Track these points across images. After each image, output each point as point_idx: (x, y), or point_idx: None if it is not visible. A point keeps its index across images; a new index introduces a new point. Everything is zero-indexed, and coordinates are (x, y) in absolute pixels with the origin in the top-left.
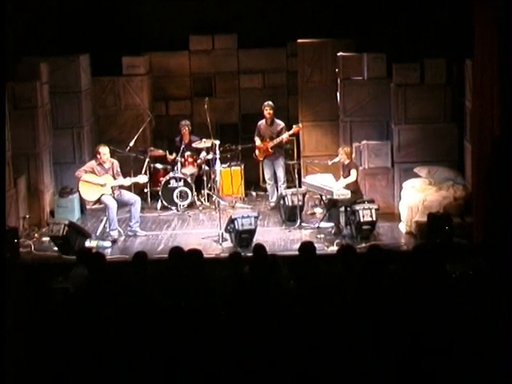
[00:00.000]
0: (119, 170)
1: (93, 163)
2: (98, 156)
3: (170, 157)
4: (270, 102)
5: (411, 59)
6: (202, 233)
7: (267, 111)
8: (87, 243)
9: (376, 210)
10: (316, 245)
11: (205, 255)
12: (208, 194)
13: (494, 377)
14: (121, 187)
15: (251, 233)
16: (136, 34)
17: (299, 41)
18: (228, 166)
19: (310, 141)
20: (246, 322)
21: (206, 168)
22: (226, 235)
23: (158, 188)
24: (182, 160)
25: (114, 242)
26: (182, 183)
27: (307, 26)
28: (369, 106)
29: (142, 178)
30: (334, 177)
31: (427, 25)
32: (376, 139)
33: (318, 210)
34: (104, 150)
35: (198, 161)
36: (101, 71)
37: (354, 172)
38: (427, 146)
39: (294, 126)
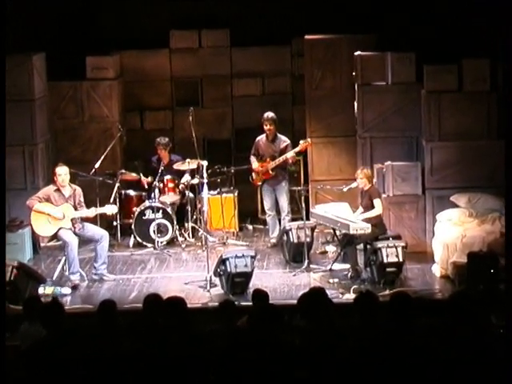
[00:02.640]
0: (82, 199)
1: (49, 189)
2: (55, 179)
3: (146, 181)
4: (271, 114)
5: (447, 60)
6: (186, 276)
7: (267, 127)
8: (41, 290)
9: (403, 248)
10: (328, 292)
11: (189, 304)
12: (193, 228)
13: None
14: (84, 220)
15: (247, 276)
16: (103, 28)
17: (307, 37)
18: (218, 193)
19: (320, 161)
20: None
21: (191, 195)
22: (216, 279)
23: (131, 220)
24: (161, 185)
25: (75, 288)
26: (160, 214)
27: (316, 18)
28: (394, 119)
29: (111, 209)
30: (350, 206)
31: (466, 16)
32: (403, 160)
33: (331, 249)
34: (61, 170)
35: (181, 186)
36: (59, 74)
37: (378, 202)
38: (467, 167)
39: (301, 142)
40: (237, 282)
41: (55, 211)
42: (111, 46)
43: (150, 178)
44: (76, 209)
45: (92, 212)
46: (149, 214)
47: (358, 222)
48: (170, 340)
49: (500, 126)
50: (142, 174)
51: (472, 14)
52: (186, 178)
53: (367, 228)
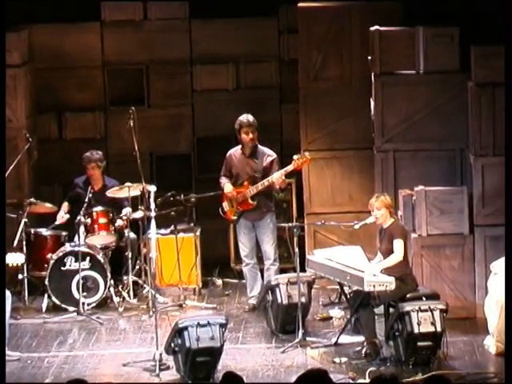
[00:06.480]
0: None
1: None
2: None
3: (65, 215)
4: (250, 118)
5: (502, 38)
6: (124, 355)
7: (249, 135)
8: None
9: (442, 312)
10: (333, 376)
11: None
12: (135, 284)
13: None
14: None
15: (214, 354)
16: None
17: (300, 4)
18: (172, 233)
19: (321, 186)
20: None
21: (132, 236)
22: (168, 359)
23: (44, 273)
24: (88, 221)
25: None
26: (86, 263)
27: None
28: (428, 124)
29: (14, 258)
30: (364, 252)
31: None
32: (442, 183)
33: (337, 313)
34: None
35: (118, 223)
36: None
37: (398, 244)
38: None
39: (295, 158)
40: (199, 362)
41: None
42: (17, 19)
43: (66, 205)
44: None
45: None
46: (70, 263)
47: (376, 275)
48: None
49: None
50: (61, 205)
51: None
52: (126, 210)
53: (389, 283)
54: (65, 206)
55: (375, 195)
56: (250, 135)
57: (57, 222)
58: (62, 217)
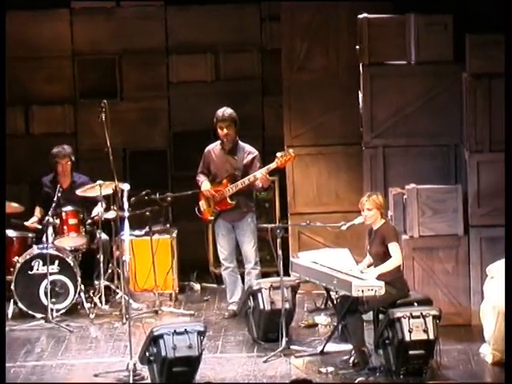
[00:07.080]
0: None
1: None
2: None
3: (35, 216)
4: (229, 111)
5: (499, 27)
6: (95, 364)
7: (224, 131)
8: None
9: (435, 318)
10: None
11: None
12: (107, 289)
13: None
14: None
15: (192, 364)
16: None
17: None
18: (147, 234)
19: (306, 184)
20: None
21: (104, 237)
22: (143, 368)
23: (10, 277)
24: (57, 222)
25: None
26: (55, 267)
27: None
28: (419, 118)
29: None
30: (352, 254)
31: None
32: (434, 181)
33: (323, 320)
34: None
35: (88, 223)
36: None
37: (395, 248)
38: None
39: (279, 155)
40: (176, 372)
41: None
42: None
43: (39, 211)
44: None
45: None
46: (38, 267)
47: (364, 279)
48: None
49: None
50: (33, 209)
51: None
52: (97, 210)
53: (379, 287)
54: (37, 211)
55: (367, 194)
56: (225, 130)
57: (26, 223)
58: (33, 223)
